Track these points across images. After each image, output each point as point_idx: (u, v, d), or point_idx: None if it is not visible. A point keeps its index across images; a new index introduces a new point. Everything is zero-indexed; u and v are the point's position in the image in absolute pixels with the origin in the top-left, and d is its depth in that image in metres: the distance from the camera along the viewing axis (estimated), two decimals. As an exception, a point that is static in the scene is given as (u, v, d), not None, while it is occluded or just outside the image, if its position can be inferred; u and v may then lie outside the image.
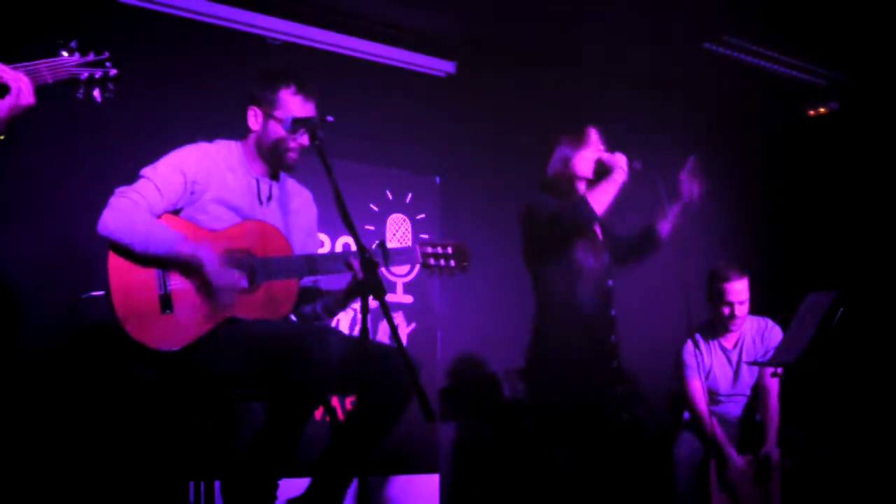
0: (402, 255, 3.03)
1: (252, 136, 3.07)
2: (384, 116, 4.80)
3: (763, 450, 4.24)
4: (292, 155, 3.05)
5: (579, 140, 3.75)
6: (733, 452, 4.23)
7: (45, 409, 3.63)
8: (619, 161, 3.66)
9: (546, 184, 3.78)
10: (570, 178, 3.74)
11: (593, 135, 3.76)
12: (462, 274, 3.07)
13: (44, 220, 3.77)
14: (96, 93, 2.65)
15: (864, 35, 5.05)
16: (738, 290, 4.32)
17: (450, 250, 3.05)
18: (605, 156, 3.70)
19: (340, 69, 4.72)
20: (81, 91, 2.63)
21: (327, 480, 2.89)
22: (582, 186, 3.74)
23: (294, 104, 3.02)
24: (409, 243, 4.73)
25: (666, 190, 3.73)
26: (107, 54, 2.65)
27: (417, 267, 4.82)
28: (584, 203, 3.59)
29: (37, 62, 2.52)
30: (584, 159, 3.73)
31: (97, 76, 2.63)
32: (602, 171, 3.70)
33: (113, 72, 2.66)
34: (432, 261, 3.04)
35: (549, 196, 3.70)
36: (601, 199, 3.59)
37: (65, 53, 2.60)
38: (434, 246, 3.06)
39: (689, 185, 3.77)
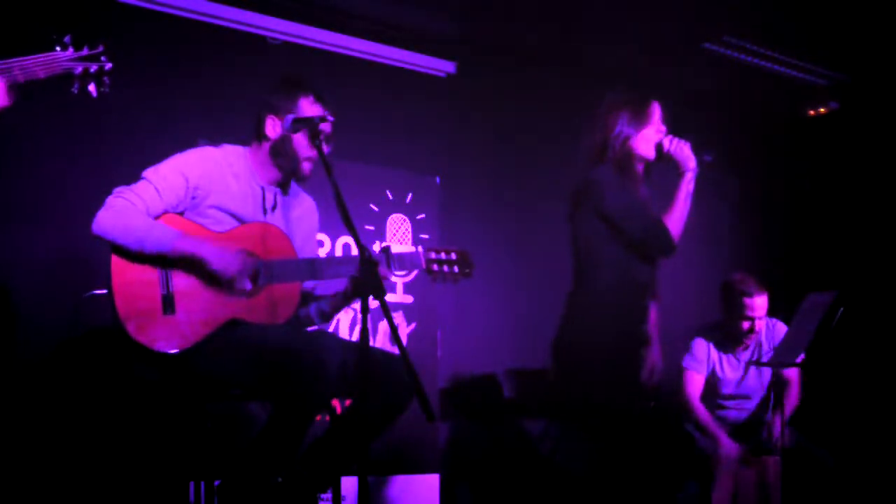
0: (406, 261, 3.01)
1: (267, 145, 3.02)
2: (384, 116, 4.80)
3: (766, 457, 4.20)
4: (308, 164, 3.02)
5: (641, 117, 3.30)
6: (724, 436, 4.22)
7: (45, 409, 3.63)
8: (687, 153, 3.27)
9: (600, 159, 3.32)
10: (629, 157, 3.30)
11: (656, 112, 3.33)
12: (465, 280, 3.06)
13: (44, 220, 3.77)
14: (91, 87, 2.60)
15: (864, 35, 5.04)
16: (760, 305, 4.28)
17: (454, 256, 3.04)
18: (672, 145, 3.28)
19: (340, 69, 4.72)
20: (76, 86, 2.60)
21: (311, 471, 2.88)
22: (641, 167, 3.34)
23: (314, 113, 2.95)
24: (409, 243, 4.73)
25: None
26: (101, 48, 2.61)
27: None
28: (662, 230, 3.23)
29: (28, 58, 2.48)
30: (646, 139, 3.30)
31: (92, 70, 2.60)
32: (662, 156, 3.30)
33: (108, 66, 2.61)
34: (436, 266, 3.02)
35: (613, 174, 3.25)
36: (679, 223, 3.25)
37: (58, 48, 2.57)
38: (438, 252, 3.04)
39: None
